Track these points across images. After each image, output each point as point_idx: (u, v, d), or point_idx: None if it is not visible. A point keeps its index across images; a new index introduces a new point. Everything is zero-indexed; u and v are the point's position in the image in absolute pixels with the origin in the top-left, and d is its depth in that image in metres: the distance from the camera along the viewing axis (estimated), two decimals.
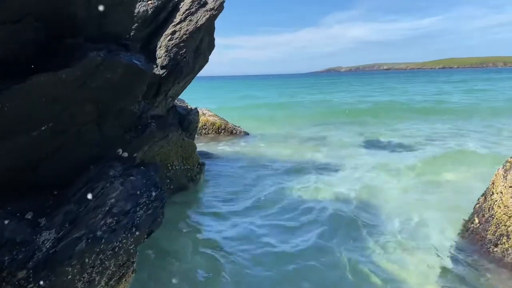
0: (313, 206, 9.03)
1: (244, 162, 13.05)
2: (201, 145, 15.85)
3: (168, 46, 9.38)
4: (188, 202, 9.28)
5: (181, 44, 9.49)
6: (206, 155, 13.86)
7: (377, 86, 74.25)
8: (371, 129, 20.07)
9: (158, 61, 9.37)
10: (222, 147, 15.48)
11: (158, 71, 9.32)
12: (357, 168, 11.99)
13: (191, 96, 19.92)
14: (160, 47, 9.43)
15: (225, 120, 19.84)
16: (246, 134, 19.10)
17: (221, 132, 18.43)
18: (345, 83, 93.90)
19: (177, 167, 9.74)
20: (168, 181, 9.63)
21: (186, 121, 13.28)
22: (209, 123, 18.51)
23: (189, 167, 9.98)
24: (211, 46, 11.34)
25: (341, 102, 41.16)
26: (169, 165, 9.65)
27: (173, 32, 9.51)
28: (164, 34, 9.51)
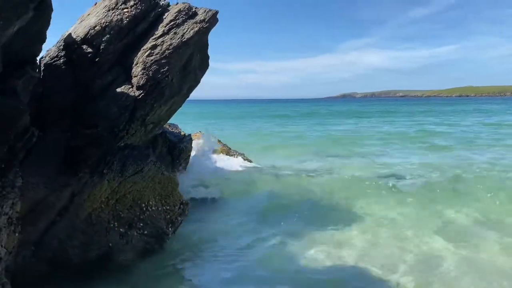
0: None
1: (239, 198, 11.29)
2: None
3: (147, 62, 7.84)
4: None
5: (163, 61, 7.94)
6: (199, 187, 12.13)
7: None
8: None
9: (134, 80, 7.82)
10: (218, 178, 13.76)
11: (133, 92, 7.75)
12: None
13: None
14: (137, 63, 7.90)
15: (227, 146, 18.22)
16: (249, 161, 17.40)
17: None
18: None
19: (153, 208, 8.04)
20: (141, 225, 7.91)
21: (177, 149, 11.71)
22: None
23: (168, 207, 8.27)
24: (203, 64, 9.78)
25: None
26: (143, 205, 7.95)
27: (153, 47, 7.98)
28: (142, 49, 7.99)
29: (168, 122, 12.87)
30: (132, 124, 7.84)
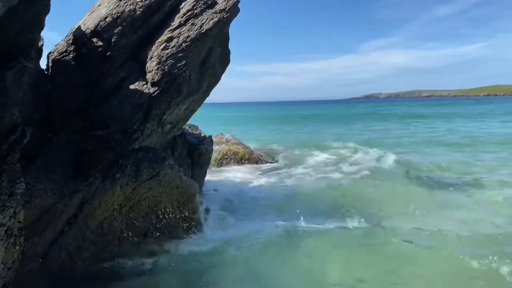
0: None
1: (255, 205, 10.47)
2: (216, 176, 13.48)
3: (162, 56, 7.15)
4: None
5: (180, 55, 7.24)
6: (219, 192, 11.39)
7: None
8: None
9: (148, 76, 7.15)
10: (238, 180, 12.94)
11: (147, 89, 7.08)
12: None
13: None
14: (152, 58, 7.22)
15: (249, 149, 17.46)
16: (274, 163, 16.59)
17: (244, 163, 16.00)
18: None
19: (170, 216, 7.34)
20: (157, 234, 7.22)
21: (197, 152, 11.00)
22: (231, 153, 16.15)
23: (187, 215, 7.55)
24: (224, 60, 9.07)
25: None
26: (159, 212, 7.26)
27: (169, 39, 7.29)
28: (157, 42, 7.31)
29: (188, 123, 12.23)
30: (147, 124, 7.16)
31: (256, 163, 16.04)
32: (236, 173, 14.15)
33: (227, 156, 16.02)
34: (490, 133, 28.07)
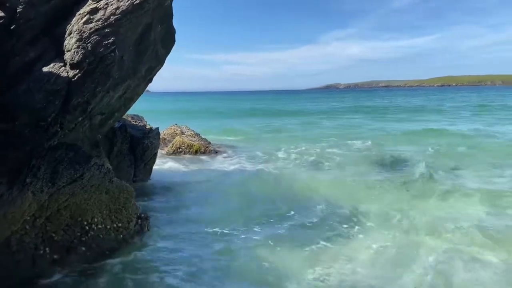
0: None
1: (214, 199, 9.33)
2: (166, 174, 12.17)
3: (84, 32, 5.80)
4: None
5: (107, 30, 5.91)
6: (165, 189, 10.07)
7: None
8: None
9: (67, 56, 5.79)
10: (190, 176, 11.64)
11: (65, 72, 5.73)
12: None
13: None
14: (71, 33, 5.85)
15: (206, 141, 16.22)
16: (233, 157, 15.42)
17: (200, 157, 14.75)
18: None
19: (99, 226, 6.05)
20: (83, 249, 5.93)
21: (141, 146, 9.69)
22: (185, 146, 14.84)
23: (121, 224, 6.30)
24: (168, 40, 7.80)
25: None
26: (85, 223, 5.95)
27: (94, 11, 5.93)
28: (77, 14, 5.94)
29: (130, 113, 10.88)
30: (67, 115, 5.82)
31: (213, 156, 14.83)
32: (188, 170, 12.90)
33: (180, 150, 14.73)
34: None
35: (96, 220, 6.09)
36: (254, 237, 7.29)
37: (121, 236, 6.35)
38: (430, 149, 16.48)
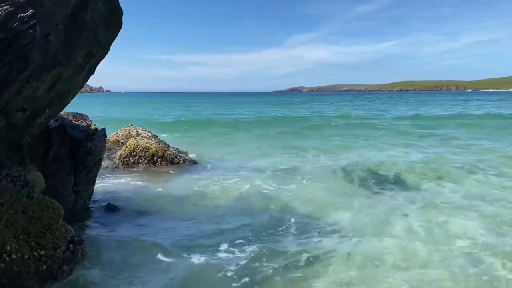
0: None
1: (170, 223, 7.93)
2: (115, 183, 10.69)
3: None
4: None
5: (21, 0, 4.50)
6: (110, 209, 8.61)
7: None
8: None
9: None
10: (146, 189, 10.19)
11: None
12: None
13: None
14: None
15: (165, 144, 14.76)
16: (194, 163, 14.07)
17: (157, 162, 13.29)
18: None
19: (13, 256, 4.63)
20: None
21: (82, 150, 8.20)
22: (140, 149, 13.33)
23: (43, 252, 4.90)
24: (113, 22, 6.43)
25: None
26: None
27: None
28: None
29: (72, 111, 9.37)
30: None
31: (172, 162, 13.41)
32: (142, 177, 11.44)
33: (135, 153, 13.20)
34: None
35: (8, 248, 4.63)
36: (221, 260, 6.04)
37: (44, 267, 4.91)
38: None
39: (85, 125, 8.83)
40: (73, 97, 7.03)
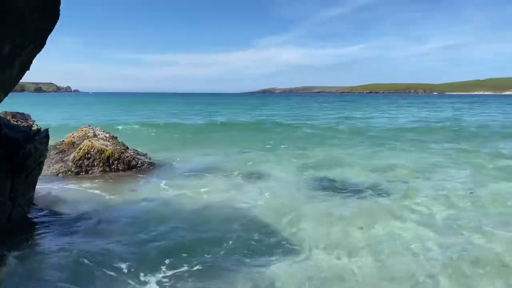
0: None
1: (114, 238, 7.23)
2: (63, 190, 9.94)
3: None
4: None
5: None
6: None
7: None
8: None
9: None
10: (97, 200, 9.41)
11: None
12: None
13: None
14: None
15: (123, 145, 14.03)
16: (151, 165, 13.42)
17: (113, 165, 12.57)
18: None
19: None
20: None
21: (21, 152, 7.49)
22: (95, 151, 12.57)
23: None
24: (47, 10, 5.79)
25: None
26: None
27: None
28: None
29: (10, 110, 8.66)
30: None
31: (129, 165, 12.73)
32: (93, 183, 10.70)
33: (89, 155, 12.44)
34: None
35: None
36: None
37: None
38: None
39: (26, 125, 8.11)
40: (6, 95, 6.39)
